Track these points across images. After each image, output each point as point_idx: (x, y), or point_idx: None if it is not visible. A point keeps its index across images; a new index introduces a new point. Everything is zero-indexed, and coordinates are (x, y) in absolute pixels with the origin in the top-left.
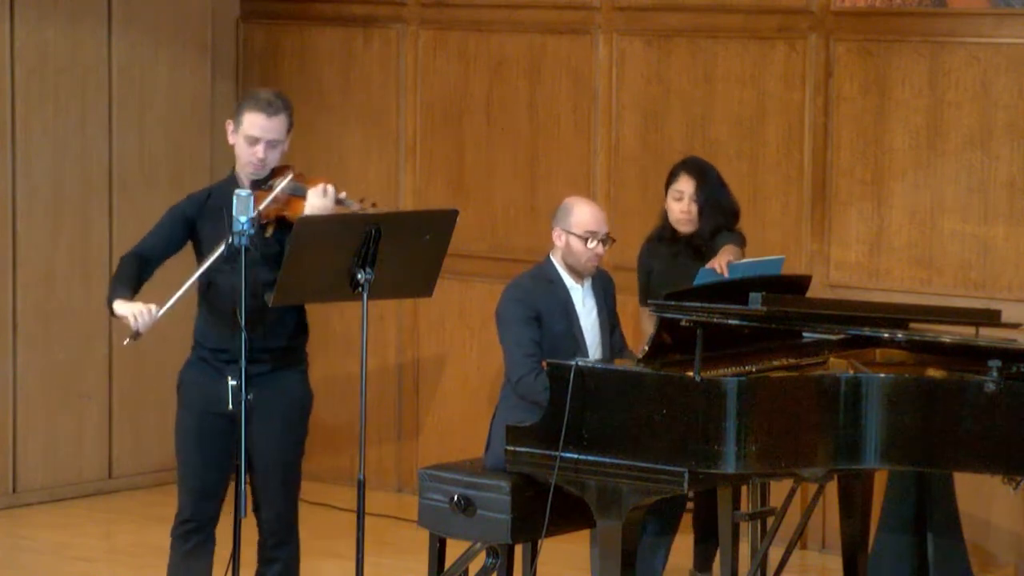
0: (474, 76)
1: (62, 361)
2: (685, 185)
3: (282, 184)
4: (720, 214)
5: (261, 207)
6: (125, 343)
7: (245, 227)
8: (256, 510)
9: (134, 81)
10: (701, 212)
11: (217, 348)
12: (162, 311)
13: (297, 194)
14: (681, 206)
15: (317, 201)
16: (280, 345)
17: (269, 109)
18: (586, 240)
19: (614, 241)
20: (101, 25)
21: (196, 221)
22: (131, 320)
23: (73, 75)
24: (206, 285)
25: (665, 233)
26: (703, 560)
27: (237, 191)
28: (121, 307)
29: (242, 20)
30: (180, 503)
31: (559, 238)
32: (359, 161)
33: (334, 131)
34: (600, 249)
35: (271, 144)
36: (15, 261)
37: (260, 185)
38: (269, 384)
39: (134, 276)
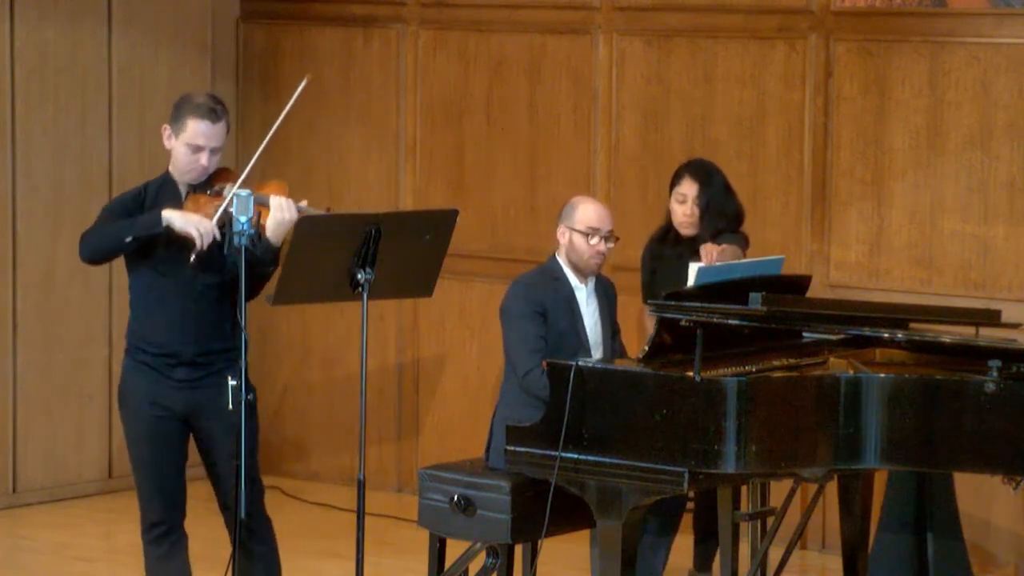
0: (474, 76)
1: (62, 361)
2: (688, 188)
3: (233, 191)
4: (722, 218)
5: (218, 213)
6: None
7: (245, 227)
8: (225, 510)
9: (134, 81)
10: (703, 216)
11: (161, 353)
12: (215, 218)
13: (260, 203)
14: (684, 209)
15: (280, 215)
16: (221, 347)
17: (212, 116)
18: (588, 236)
19: (617, 239)
20: (101, 25)
21: None
22: (197, 238)
23: (73, 75)
24: (145, 287)
25: (668, 234)
26: (703, 560)
27: (237, 191)
28: (178, 219)
29: (242, 20)
30: (145, 508)
31: (563, 235)
32: (359, 161)
33: (334, 131)
34: (603, 247)
35: (214, 151)
36: (15, 261)
37: (204, 189)
38: (215, 385)
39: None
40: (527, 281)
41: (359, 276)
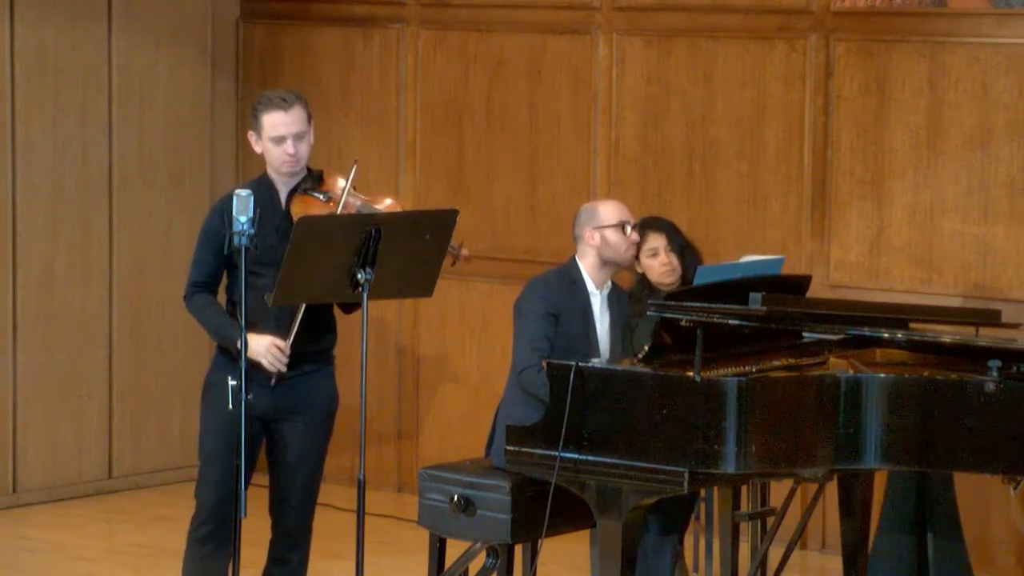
0: (474, 76)
1: (62, 361)
2: (656, 241)
3: (355, 200)
4: (696, 253)
5: (338, 210)
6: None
7: (245, 227)
8: (275, 510)
9: (134, 81)
10: (683, 259)
11: None
12: (289, 342)
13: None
14: (660, 259)
15: None
16: (315, 348)
17: (284, 104)
18: (622, 228)
19: (639, 230)
20: (101, 25)
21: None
22: (268, 367)
23: (73, 75)
24: (244, 289)
25: (645, 293)
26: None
27: (237, 191)
28: (249, 350)
29: (242, 20)
30: (201, 506)
31: (592, 238)
32: (359, 161)
33: (334, 131)
34: (635, 236)
35: (298, 137)
36: (15, 261)
37: (313, 192)
38: (304, 386)
39: (216, 305)
40: (545, 280)
41: (359, 276)
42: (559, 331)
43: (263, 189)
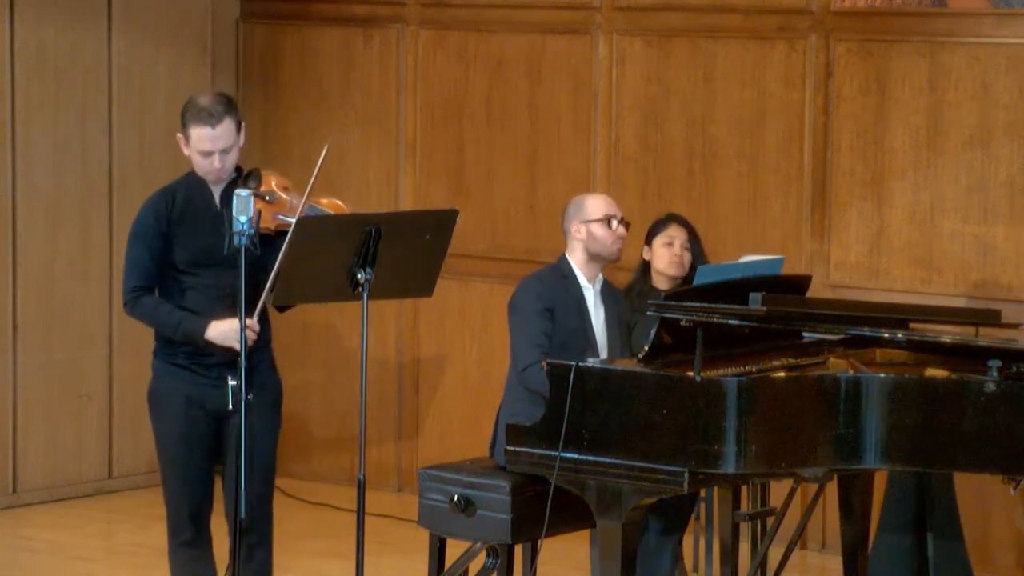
0: (474, 76)
1: (62, 361)
2: (677, 232)
3: (297, 201)
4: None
5: (292, 217)
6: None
7: (245, 227)
8: (227, 512)
9: (134, 81)
10: (692, 264)
11: (201, 352)
12: (255, 318)
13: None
14: (674, 250)
15: None
16: (260, 342)
17: (212, 120)
18: (608, 222)
19: (630, 225)
20: (101, 25)
21: (171, 229)
22: (238, 343)
23: (73, 75)
24: (182, 291)
25: (645, 287)
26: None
27: (237, 191)
28: (218, 338)
29: (242, 20)
30: (176, 517)
31: (578, 232)
32: (359, 161)
33: (334, 131)
34: (622, 231)
35: (225, 151)
36: (15, 261)
37: (255, 191)
38: (255, 378)
39: (166, 303)
40: (538, 277)
41: (359, 276)
42: (556, 326)
43: (195, 188)
